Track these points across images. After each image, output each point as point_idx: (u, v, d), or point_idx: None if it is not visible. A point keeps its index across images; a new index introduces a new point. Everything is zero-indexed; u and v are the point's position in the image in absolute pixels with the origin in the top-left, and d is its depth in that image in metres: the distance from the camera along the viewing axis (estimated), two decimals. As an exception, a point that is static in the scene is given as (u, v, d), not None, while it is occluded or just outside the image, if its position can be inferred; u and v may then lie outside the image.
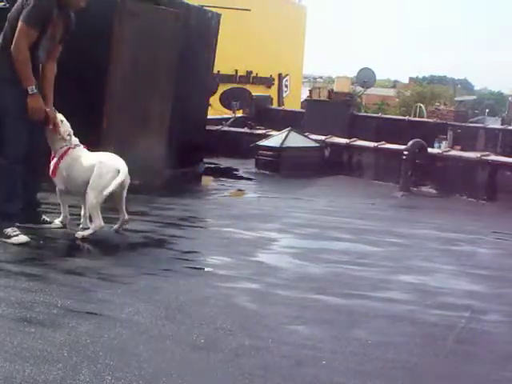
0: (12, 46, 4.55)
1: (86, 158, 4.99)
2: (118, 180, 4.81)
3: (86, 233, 4.92)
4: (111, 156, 5.02)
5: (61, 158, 4.95)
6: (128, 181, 4.98)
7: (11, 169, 4.67)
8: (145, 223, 5.69)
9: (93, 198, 4.82)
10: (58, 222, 5.12)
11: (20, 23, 4.54)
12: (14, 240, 4.59)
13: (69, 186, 5.00)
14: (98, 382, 2.70)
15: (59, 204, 5.13)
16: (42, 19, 4.60)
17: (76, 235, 4.90)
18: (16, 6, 4.68)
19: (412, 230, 6.67)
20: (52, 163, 4.99)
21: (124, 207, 5.09)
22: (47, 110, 4.83)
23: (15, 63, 4.55)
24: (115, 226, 5.15)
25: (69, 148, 4.98)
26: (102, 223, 4.88)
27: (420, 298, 4.23)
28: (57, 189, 5.04)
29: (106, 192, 4.79)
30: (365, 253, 5.41)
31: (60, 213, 5.13)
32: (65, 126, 4.99)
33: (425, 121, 16.46)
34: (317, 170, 9.86)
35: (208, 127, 10.30)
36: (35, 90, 4.60)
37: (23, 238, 4.63)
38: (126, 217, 5.13)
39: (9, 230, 4.63)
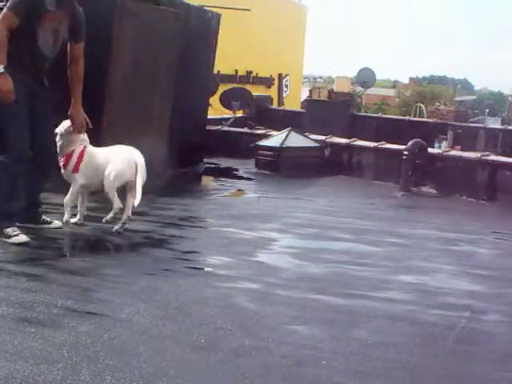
0: None
1: (101, 152, 5.23)
2: (140, 170, 5.05)
3: (109, 216, 5.16)
4: (130, 148, 5.22)
5: (81, 155, 5.12)
6: (145, 176, 5.11)
7: (14, 168, 4.65)
8: (145, 223, 5.69)
9: (111, 180, 5.03)
10: (57, 222, 5.13)
11: (4, 9, 4.58)
12: (14, 240, 4.59)
13: (91, 180, 5.16)
14: (97, 382, 2.70)
15: (62, 205, 5.14)
16: (25, 7, 4.57)
17: (103, 220, 5.16)
18: None
19: (412, 230, 6.67)
20: (73, 161, 5.11)
21: (131, 206, 5.12)
22: (75, 112, 5.00)
23: None
24: (116, 227, 5.15)
25: (85, 146, 5.18)
26: (120, 204, 5.06)
27: (420, 298, 4.23)
28: (75, 186, 5.13)
29: (125, 177, 5.05)
30: (365, 253, 5.41)
31: (61, 213, 5.14)
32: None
33: (425, 121, 16.47)
34: (317, 170, 9.86)
35: (208, 127, 10.30)
36: (2, 70, 4.47)
37: (23, 238, 4.63)
38: (130, 214, 5.17)
39: (9, 230, 4.62)
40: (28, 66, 4.69)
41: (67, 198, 5.15)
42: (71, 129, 5.08)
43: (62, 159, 5.14)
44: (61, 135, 5.12)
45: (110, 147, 5.31)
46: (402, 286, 4.52)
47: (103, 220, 5.17)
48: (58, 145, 5.12)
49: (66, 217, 5.16)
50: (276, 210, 7.26)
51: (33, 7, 4.60)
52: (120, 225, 5.15)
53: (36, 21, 4.62)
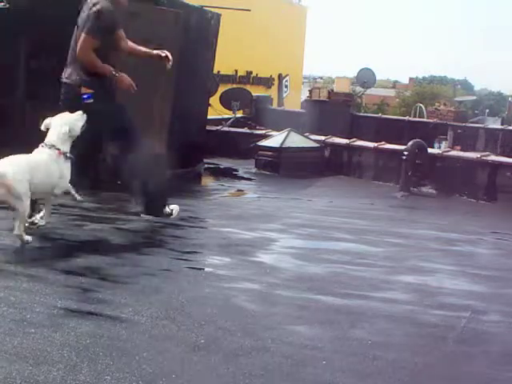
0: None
1: None
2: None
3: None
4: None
5: None
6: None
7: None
8: (145, 223, 5.68)
9: None
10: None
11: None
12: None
13: None
14: (97, 382, 2.70)
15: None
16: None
17: None
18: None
19: (412, 230, 6.67)
20: None
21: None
22: None
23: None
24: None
25: None
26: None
27: (420, 298, 4.23)
28: None
29: None
30: (365, 253, 5.41)
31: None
32: None
33: (425, 121, 16.52)
34: (317, 170, 9.87)
35: (208, 127, 10.31)
36: (116, 74, 5.45)
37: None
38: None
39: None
40: None
41: None
42: None
43: None
44: None
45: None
46: (402, 285, 4.52)
47: None
48: None
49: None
50: (276, 210, 7.26)
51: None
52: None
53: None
